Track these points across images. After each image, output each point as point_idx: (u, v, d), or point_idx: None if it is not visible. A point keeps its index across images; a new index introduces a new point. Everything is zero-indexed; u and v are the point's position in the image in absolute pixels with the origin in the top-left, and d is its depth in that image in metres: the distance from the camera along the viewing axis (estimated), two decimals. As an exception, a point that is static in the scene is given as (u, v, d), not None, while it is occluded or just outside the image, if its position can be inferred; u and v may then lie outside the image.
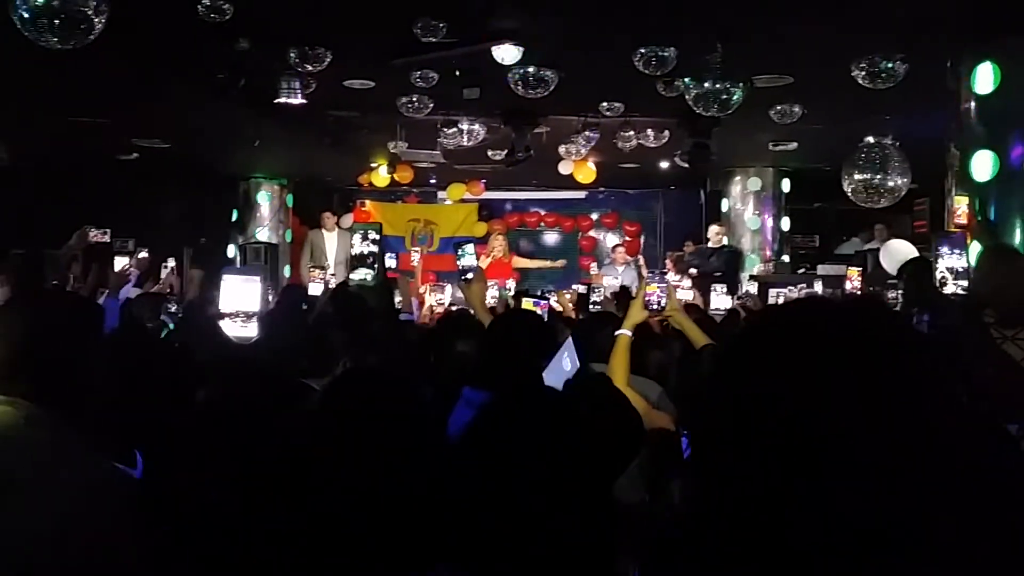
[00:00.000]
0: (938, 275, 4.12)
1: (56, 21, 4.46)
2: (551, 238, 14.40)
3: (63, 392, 1.96)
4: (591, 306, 6.18)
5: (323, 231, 11.96)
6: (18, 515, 1.75)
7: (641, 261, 11.02)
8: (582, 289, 7.66)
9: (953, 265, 4.12)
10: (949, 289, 4.07)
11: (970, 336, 3.33)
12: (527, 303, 5.50)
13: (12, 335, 2.00)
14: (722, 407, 0.94)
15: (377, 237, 4.01)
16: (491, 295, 6.39)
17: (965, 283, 4.06)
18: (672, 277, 8.34)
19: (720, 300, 7.06)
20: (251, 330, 3.22)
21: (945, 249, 4.16)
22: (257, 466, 2.09)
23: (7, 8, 4.47)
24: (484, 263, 9.74)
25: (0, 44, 5.60)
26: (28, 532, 1.74)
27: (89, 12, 4.44)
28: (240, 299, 3.18)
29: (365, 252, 3.91)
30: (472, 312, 4.26)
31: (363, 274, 3.88)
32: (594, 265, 11.33)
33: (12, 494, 1.76)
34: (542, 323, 3.08)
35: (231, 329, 3.24)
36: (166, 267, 7.03)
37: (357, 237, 4.64)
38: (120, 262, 5.34)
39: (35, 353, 1.97)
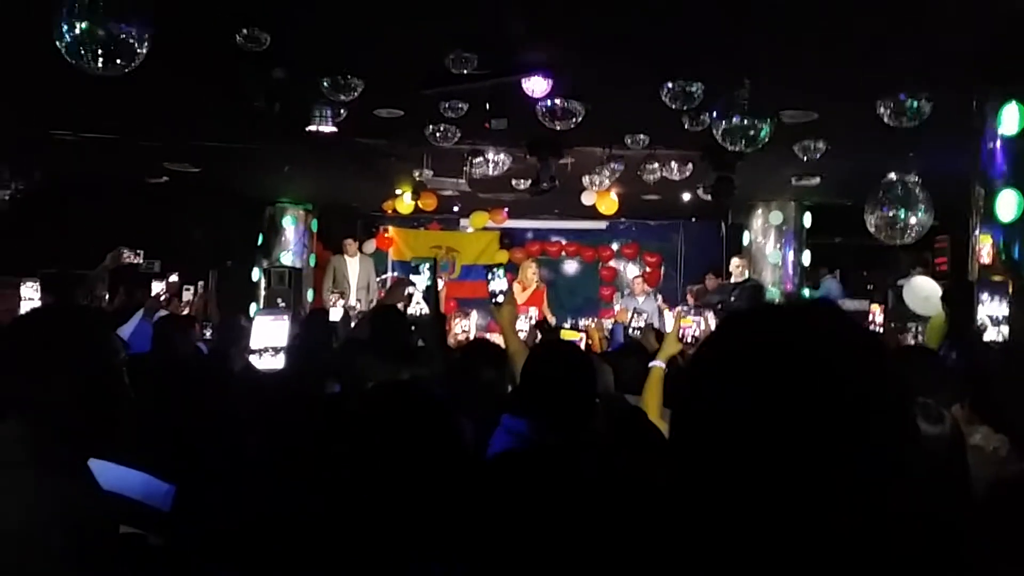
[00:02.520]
0: (978, 321, 4.12)
1: (99, 48, 4.56)
2: (571, 267, 14.48)
3: (45, 408, 1.91)
4: (631, 331, 6.23)
5: (345, 257, 12.08)
6: None
7: (659, 300, 10.96)
8: (607, 323, 7.70)
9: (993, 312, 4.12)
10: (989, 336, 4.07)
11: (1005, 373, 3.35)
12: (569, 334, 5.54)
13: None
14: (691, 403, 0.98)
15: (414, 278, 4.10)
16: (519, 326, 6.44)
17: (1006, 329, 4.07)
18: (684, 309, 8.36)
19: None
20: (279, 361, 3.31)
21: (986, 295, 4.16)
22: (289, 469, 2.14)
23: (47, 32, 4.56)
24: (524, 295, 9.76)
25: (35, 67, 5.75)
26: None
27: (132, 40, 4.54)
28: (269, 336, 3.29)
29: (407, 293, 4.02)
30: (500, 338, 4.30)
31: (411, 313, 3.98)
32: (616, 297, 11.35)
33: None
34: (583, 354, 3.13)
35: (261, 363, 3.34)
36: (188, 289, 7.13)
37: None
38: (156, 286, 5.43)
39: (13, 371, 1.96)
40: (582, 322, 7.97)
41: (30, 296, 3.97)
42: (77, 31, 4.53)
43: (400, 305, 5.54)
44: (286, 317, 3.67)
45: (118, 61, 4.62)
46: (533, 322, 7.85)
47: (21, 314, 2.46)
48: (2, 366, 1.99)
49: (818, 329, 0.96)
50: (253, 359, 4.41)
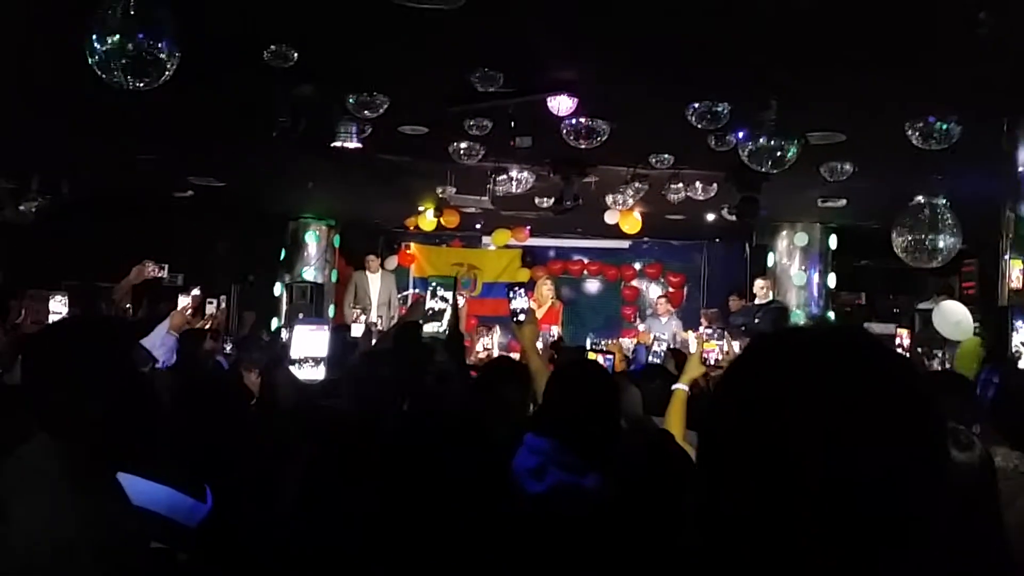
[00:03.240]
0: (1013, 349, 4.05)
1: (129, 63, 4.58)
2: (593, 286, 14.42)
3: (80, 421, 1.90)
4: (651, 357, 6.20)
5: (367, 273, 12.09)
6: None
7: (675, 326, 10.83)
8: (627, 343, 7.65)
9: (1026, 339, 4.06)
10: (1024, 364, 4.01)
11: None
12: (593, 356, 5.52)
13: (29, 367, 1.99)
14: (716, 426, 0.98)
15: (446, 294, 4.08)
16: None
17: None
18: (707, 333, 8.29)
19: None
20: (319, 372, 3.27)
21: (1020, 323, 4.09)
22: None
23: (76, 46, 4.59)
24: (539, 312, 9.77)
25: (63, 80, 5.80)
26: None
27: (162, 56, 4.56)
28: (309, 346, 3.24)
29: (437, 308, 3.99)
30: (521, 356, 4.29)
31: (435, 327, 3.95)
32: (638, 317, 11.26)
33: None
34: (607, 376, 3.10)
35: (301, 373, 3.29)
36: (211, 303, 7.13)
37: (427, 293, 4.73)
38: (182, 300, 5.43)
39: (46, 384, 1.95)
40: (603, 342, 7.93)
41: (58, 309, 3.98)
42: (108, 46, 4.56)
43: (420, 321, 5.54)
44: (326, 327, 3.59)
45: (147, 76, 4.65)
46: (551, 340, 7.81)
47: (47, 325, 2.45)
48: (30, 378, 1.97)
49: (848, 353, 0.96)
50: (293, 369, 4.38)
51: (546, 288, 10.64)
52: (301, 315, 10.46)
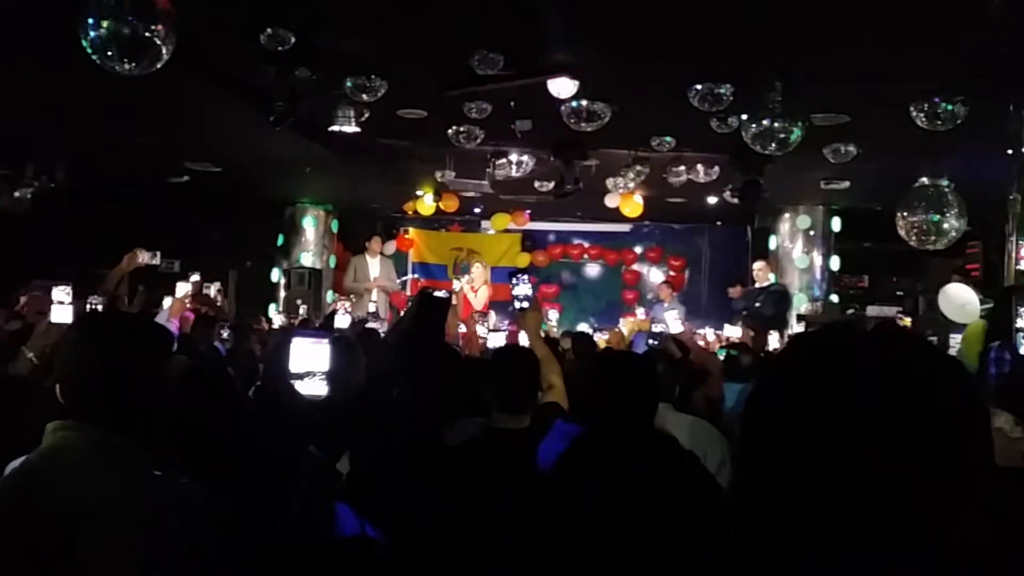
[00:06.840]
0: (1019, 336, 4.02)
1: (124, 47, 4.51)
2: (594, 270, 14.35)
3: (137, 415, 1.98)
4: (648, 342, 6.14)
5: (366, 256, 12.01)
6: (99, 542, 1.74)
7: (677, 310, 10.70)
8: (623, 325, 7.62)
9: (1032, 321, 4.01)
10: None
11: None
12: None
13: (87, 357, 2.00)
14: (762, 427, 1.00)
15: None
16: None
17: None
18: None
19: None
20: (323, 387, 3.16)
21: (1025, 308, 4.05)
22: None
23: (71, 31, 4.52)
24: (480, 299, 9.87)
25: (58, 65, 5.72)
26: (113, 558, 1.73)
27: (157, 40, 4.49)
28: (310, 360, 3.14)
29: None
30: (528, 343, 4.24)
31: None
32: (640, 310, 11.12)
33: (90, 521, 1.75)
34: (650, 367, 3.08)
35: (304, 387, 3.19)
36: (208, 288, 7.06)
37: None
38: (182, 287, 5.36)
39: (110, 375, 1.97)
40: (599, 331, 7.88)
41: (61, 299, 3.91)
42: (102, 30, 4.49)
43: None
44: (326, 339, 3.45)
45: (142, 60, 4.58)
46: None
47: (102, 317, 2.53)
48: (87, 369, 1.99)
49: (907, 349, 0.98)
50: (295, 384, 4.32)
51: (477, 271, 10.69)
52: (300, 301, 10.38)
